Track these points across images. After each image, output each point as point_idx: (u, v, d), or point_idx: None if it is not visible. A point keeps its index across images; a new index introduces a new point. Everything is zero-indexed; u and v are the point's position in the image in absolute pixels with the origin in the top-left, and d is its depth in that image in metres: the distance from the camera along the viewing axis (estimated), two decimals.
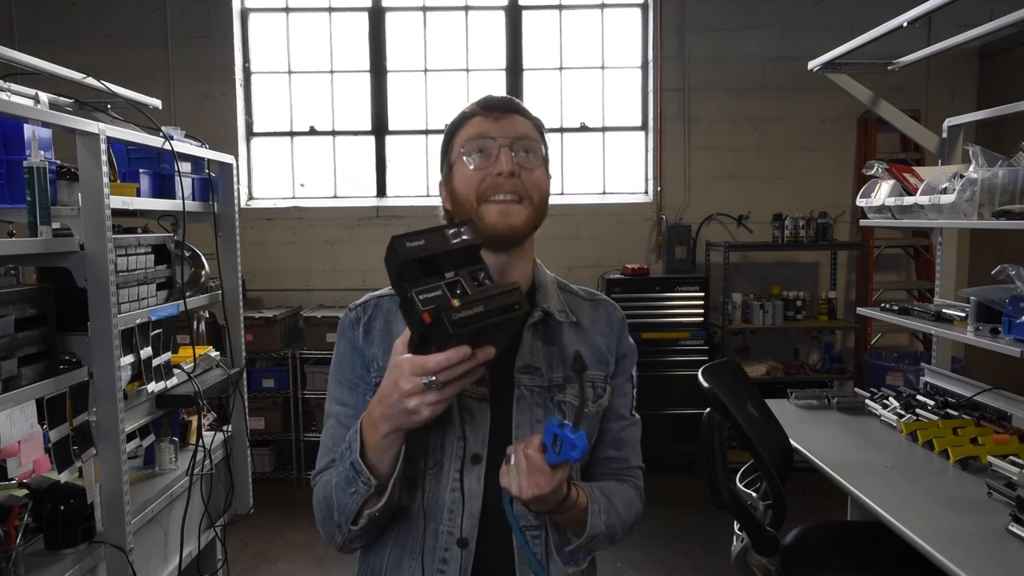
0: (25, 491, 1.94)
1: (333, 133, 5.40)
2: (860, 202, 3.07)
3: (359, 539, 1.18)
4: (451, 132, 1.25)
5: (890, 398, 2.88)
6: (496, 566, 1.19)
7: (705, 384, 2.07)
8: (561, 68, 5.38)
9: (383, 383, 1.05)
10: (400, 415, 1.02)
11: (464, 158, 1.20)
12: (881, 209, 2.91)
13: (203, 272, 2.71)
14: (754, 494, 2.22)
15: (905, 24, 2.66)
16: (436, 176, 4.62)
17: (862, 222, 3.28)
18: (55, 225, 1.91)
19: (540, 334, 1.24)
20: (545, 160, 1.24)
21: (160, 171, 2.51)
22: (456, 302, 0.96)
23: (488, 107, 1.21)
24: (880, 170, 2.92)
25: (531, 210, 1.20)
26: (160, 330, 2.36)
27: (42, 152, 1.90)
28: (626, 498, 1.28)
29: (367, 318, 1.26)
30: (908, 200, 2.69)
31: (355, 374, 1.24)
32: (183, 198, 2.48)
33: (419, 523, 1.18)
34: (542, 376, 1.22)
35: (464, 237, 1.03)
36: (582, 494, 1.16)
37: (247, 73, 5.35)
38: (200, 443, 2.56)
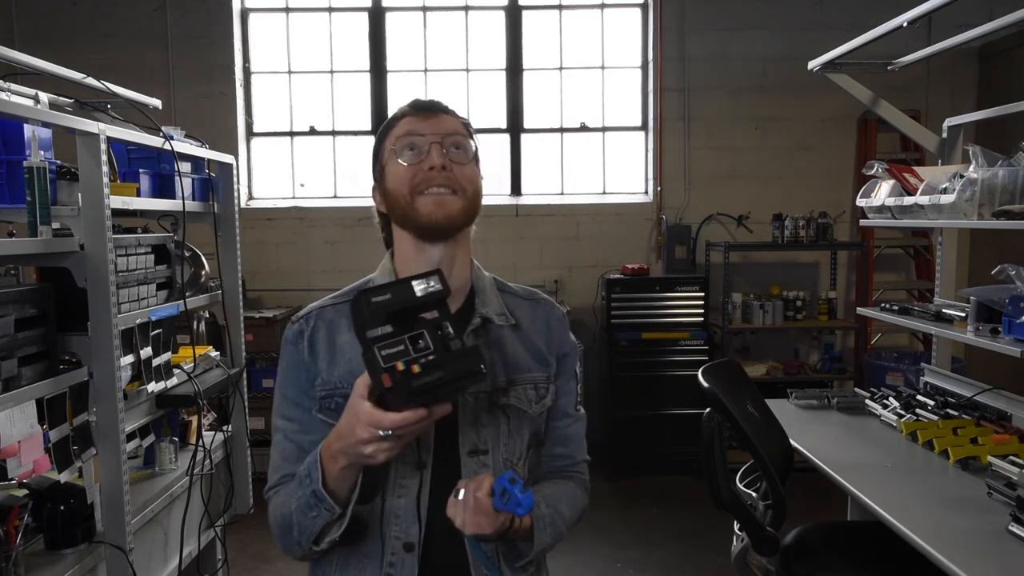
0: (25, 491, 1.94)
1: (333, 133, 5.40)
2: (860, 202, 3.06)
3: (317, 554, 1.20)
4: (382, 135, 1.27)
5: (890, 398, 2.88)
6: (445, 568, 1.21)
7: (705, 384, 2.07)
8: (561, 68, 5.37)
9: (341, 421, 1.08)
10: (356, 456, 1.06)
11: (396, 157, 1.22)
12: (881, 209, 2.91)
13: (203, 272, 2.71)
14: (754, 494, 2.22)
15: (905, 24, 2.66)
16: None
17: (862, 222, 3.28)
18: (55, 225, 1.91)
19: (481, 340, 1.25)
20: (476, 158, 1.26)
21: (160, 171, 2.51)
22: (416, 367, 0.99)
23: (417, 108, 1.24)
24: (880, 170, 2.92)
25: (465, 201, 1.22)
26: (160, 330, 2.36)
27: (42, 152, 1.90)
28: (571, 497, 1.31)
29: (310, 330, 1.27)
30: (908, 200, 2.69)
31: (299, 389, 1.25)
32: (183, 198, 2.48)
33: (365, 528, 1.19)
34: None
35: (430, 288, 1.06)
36: (526, 518, 1.16)
37: (247, 73, 5.35)
38: (200, 443, 2.56)
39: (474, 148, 1.26)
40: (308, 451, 1.19)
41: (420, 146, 1.21)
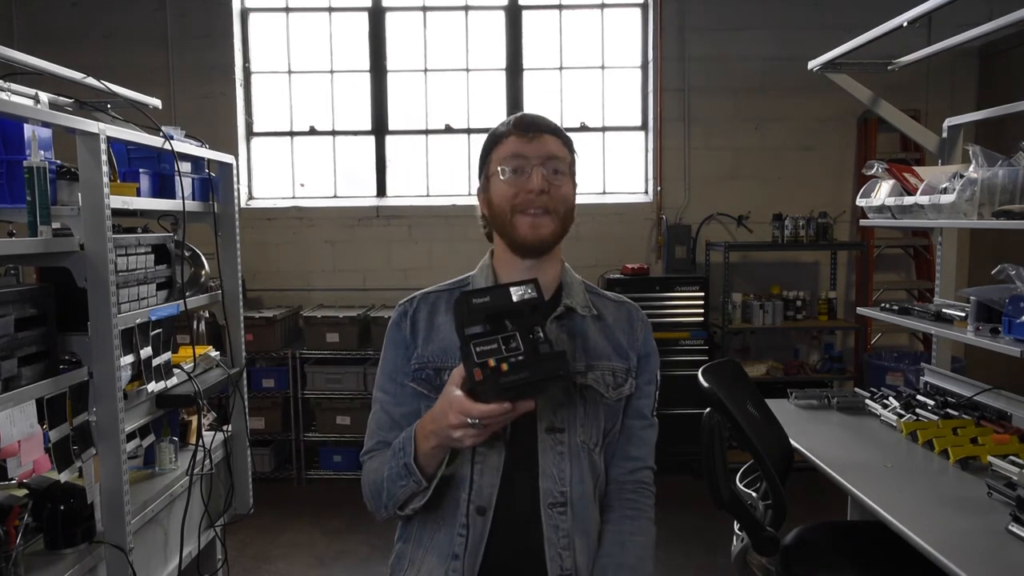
0: (25, 491, 1.94)
1: (333, 133, 5.40)
2: (860, 202, 3.06)
3: (401, 518, 1.37)
4: (488, 148, 1.39)
5: (890, 398, 2.88)
6: (515, 533, 1.32)
7: (705, 384, 2.07)
8: (561, 68, 5.37)
9: (436, 406, 1.22)
10: (445, 439, 1.19)
11: (500, 174, 1.34)
12: (881, 209, 2.91)
13: (203, 272, 2.71)
14: (754, 494, 2.22)
15: (905, 24, 2.66)
16: (436, 176, 4.70)
17: (862, 222, 3.28)
18: (55, 225, 1.91)
19: (564, 327, 1.39)
20: (572, 173, 1.38)
21: (160, 171, 2.51)
22: (505, 366, 1.12)
23: (522, 127, 1.34)
24: (880, 170, 2.92)
25: (558, 222, 1.35)
26: (160, 330, 2.36)
27: (42, 152, 1.90)
28: (649, 546, 1.41)
29: (413, 310, 1.43)
30: (908, 200, 2.69)
31: (396, 366, 1.41)
32: (183, 198, 2.48)
33: (444, 492, 1.32)
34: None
35: (526, 295, 1.19)
36: None
37: (247, 73, 5.35)
38: (200, 443, 2.56)
39: (572, 165, 1.38)
40: (399, 421, 1.37)
41: (523, 167, 1.33)
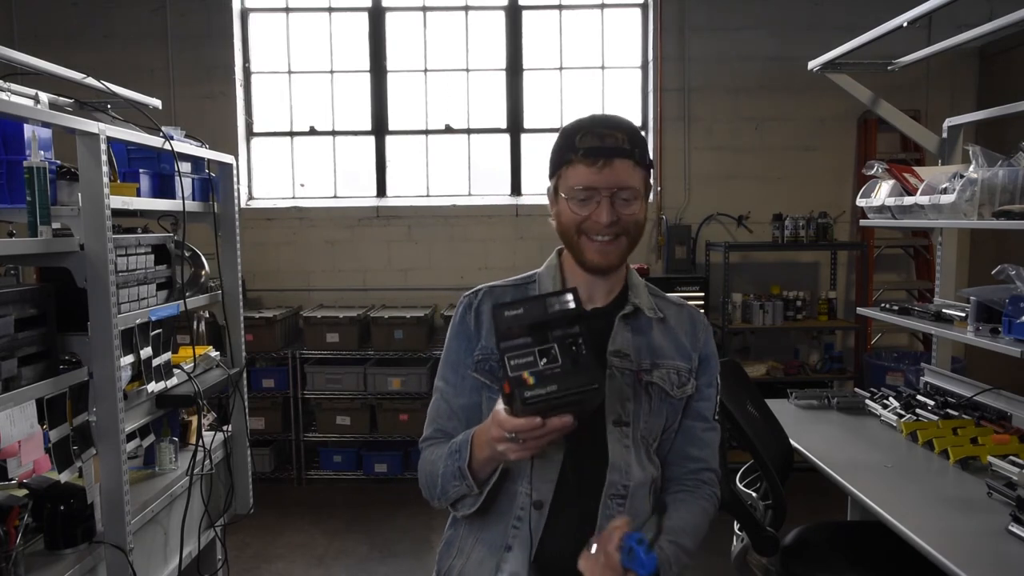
0: (25, 491, 1.94)
1: (333, 133, 5.40)
2: (860, 202, 3.06)
3: (454, 511, 1.39)
4: (557, 162, 1.36)
5: (890, 398, 2.88)
6: (569, 525, 1.31)
7: None
8: (561, 68, 5.37)
9: (491, 416, 1.21)
10: (493, 450, 1.22)
11: (568, 201, 1.33)
12: (881, 209, 2.91)
13: (203, 272, 2.71)
14: (754, 494, 2.22)
15: (905, 24, 2.66)
16: (436, 176, 4.70)
17: (862, 222, 3.28)
18: (55, 225, 1.91)
19: (629, 325, 1.40)
20: (645, 193, 1.35)
21: (160, 171, 2.51)
22: (531, 379, 1.09)
23: (591, 155, 1.29)
24: (880, 170, 2.92)
25: (627, 243, 1.35)
26: (160, 330, 2.36)
27: (42, 152, 1.90)
28: (695, 527, 1.38)
29: (478, 302, 1.44)
30: (908, 200, 2.69)
31: (458, 357, 1.43)
32: (183, 198, 2.48)
33: (501, 484, 1.32)
34: (631, 361, 1.37)
35: (563, 307, 1.14)
36: None
37: (247, 73, 5.35)
38: (200, 443, 2.56)
39: (644, 183, 1.34)
40: (457, 412, 1.41)
41: (592, 197, 1.31)
